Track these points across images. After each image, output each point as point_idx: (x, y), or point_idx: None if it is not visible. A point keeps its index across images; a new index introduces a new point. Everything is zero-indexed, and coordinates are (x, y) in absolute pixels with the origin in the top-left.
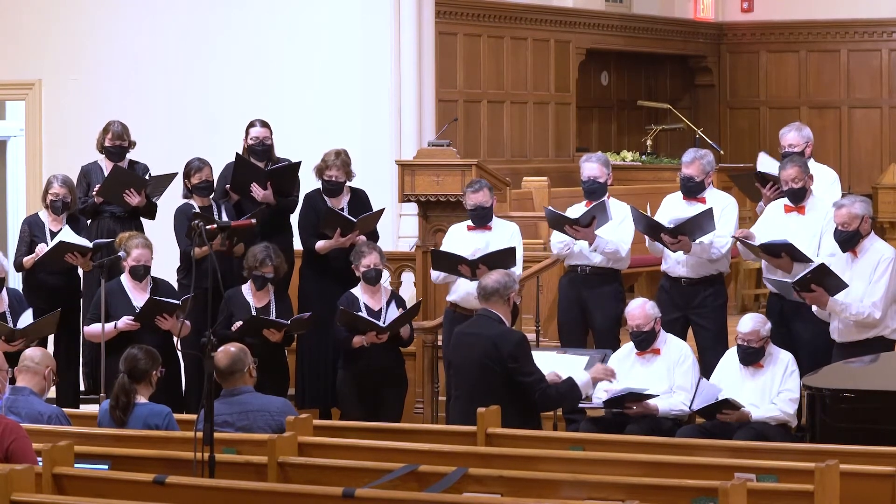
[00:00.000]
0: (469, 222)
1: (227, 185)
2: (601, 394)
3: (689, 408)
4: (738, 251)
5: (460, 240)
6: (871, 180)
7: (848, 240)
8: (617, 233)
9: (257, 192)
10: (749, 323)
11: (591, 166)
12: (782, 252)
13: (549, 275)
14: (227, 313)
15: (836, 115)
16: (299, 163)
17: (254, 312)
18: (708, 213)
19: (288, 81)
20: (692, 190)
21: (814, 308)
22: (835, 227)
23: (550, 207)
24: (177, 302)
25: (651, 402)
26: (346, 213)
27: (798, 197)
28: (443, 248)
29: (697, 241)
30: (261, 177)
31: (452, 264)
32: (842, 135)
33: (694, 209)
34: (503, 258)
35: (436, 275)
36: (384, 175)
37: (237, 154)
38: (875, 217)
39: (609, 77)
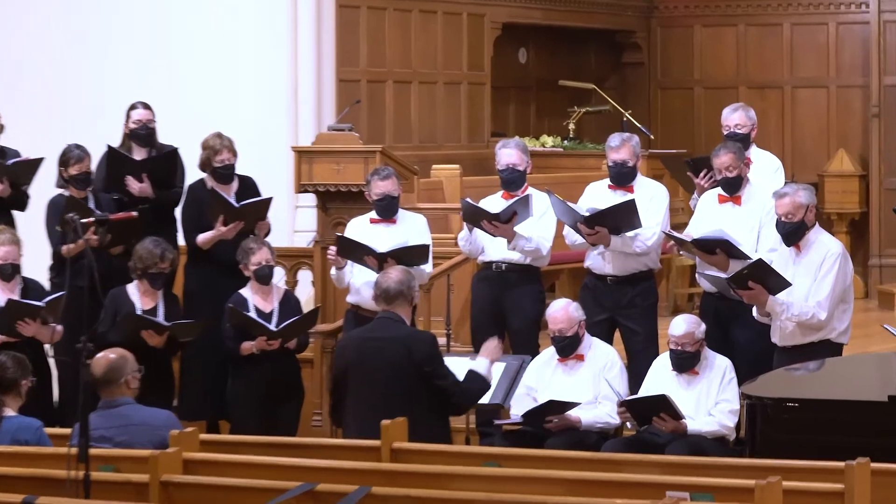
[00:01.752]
0: (372, 214)
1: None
2: (519, 406)
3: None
4: (668, 246)
5: (363, 234)
6: (817, 167)
7: (792, 232)
8: (537, 228)
9: (133, 185)
10: (682, 324)
11: (509, 153)
12: (717, 248)
13: (460, 272)
14: (111, 313)
15: (779, 95)
16: (176, 149)
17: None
18: (630, 206)
19: (175, 61)
20: (625, 176)
21: (754, 311)
22: (777, 218)
23: (468, 199)
24: (39, 304)
25: (573, 413)
26: (233, 202)
27: (733, 186)
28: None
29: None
30: (136, 168)
31: (358, 254)
32: (784, 117)
33: (619, 199)
34: (415, 254)
35: (335, 274)
36: (279, 163)
37: (108, 147)
38: (821, 208)
39: (528, 54)
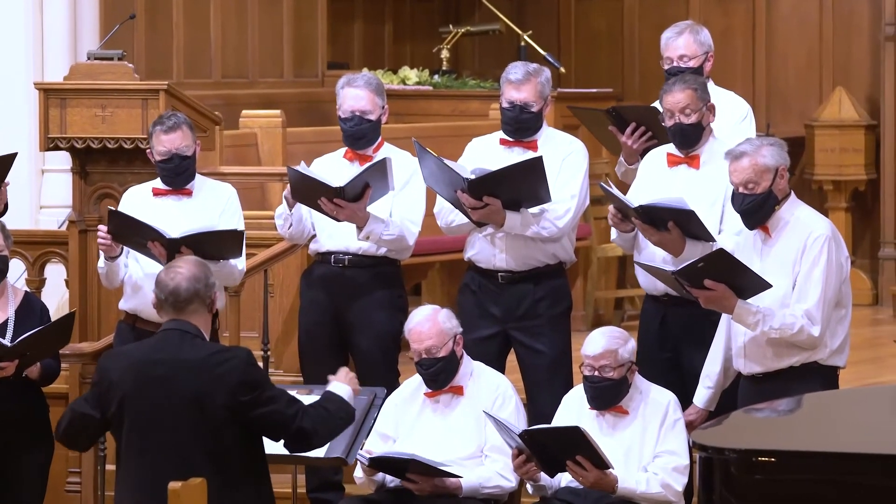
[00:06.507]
0: (156, 183)
1: None
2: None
3: (515, 439)
4: (586, 228)
5: (143, 211)
6: (805, 114)
7: (755, 208)
8: (400, 205)
9: None
10: (600, 340)
11: (356, 94)
12: (670, 221)
13: (283, 268)
14: None
15: (748, 8)
16: None
17: None
18: (535, 166)
19: None
20: (526, 126)
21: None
22: (733, 189)
23: (298, 168)
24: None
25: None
26: None
27: (689, 139)
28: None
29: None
30: None
31: (140, 240)
32: (756, 41)
33: (518, 159)
34: (222, 242)
35: (105, 267)
36: (16, 106)
37: None
38: (810, 173)
39: None
